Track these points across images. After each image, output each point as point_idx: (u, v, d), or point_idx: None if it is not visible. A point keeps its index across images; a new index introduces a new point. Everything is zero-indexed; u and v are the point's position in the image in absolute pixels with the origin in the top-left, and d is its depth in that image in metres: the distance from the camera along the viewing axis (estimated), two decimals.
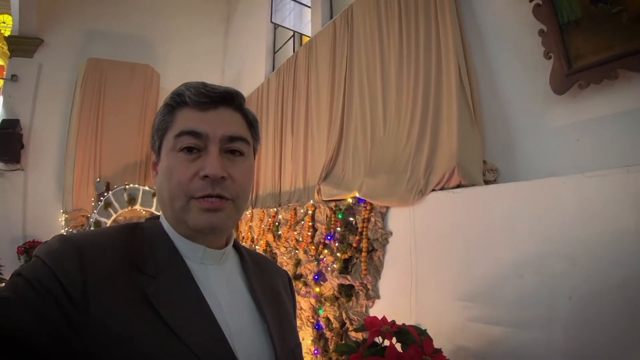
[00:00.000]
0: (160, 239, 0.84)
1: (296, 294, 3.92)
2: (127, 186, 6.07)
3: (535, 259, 1.87)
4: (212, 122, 0.84)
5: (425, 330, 2.07)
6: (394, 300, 2.82)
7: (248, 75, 7.14)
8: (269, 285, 0.99)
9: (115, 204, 6.00)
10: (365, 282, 3.08)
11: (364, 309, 3.07)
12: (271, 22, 5.27)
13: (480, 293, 2.13)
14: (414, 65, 2.99)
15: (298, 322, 3.95)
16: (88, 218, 6.10)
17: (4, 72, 7.54)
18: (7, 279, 0.74)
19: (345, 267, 3.29)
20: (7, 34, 7.63)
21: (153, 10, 8.19)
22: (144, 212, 6.38)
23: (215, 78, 8.45)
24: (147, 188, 6.19)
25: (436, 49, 2.83)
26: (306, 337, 3.77)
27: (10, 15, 8.14)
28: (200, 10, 8.60)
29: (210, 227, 0.82)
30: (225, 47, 8.70)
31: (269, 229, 4.76)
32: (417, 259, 2.65)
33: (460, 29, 2.74)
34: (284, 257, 4.39)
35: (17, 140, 6.69)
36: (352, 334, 3.16)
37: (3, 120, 6.71)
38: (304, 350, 3.73)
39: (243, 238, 5.57)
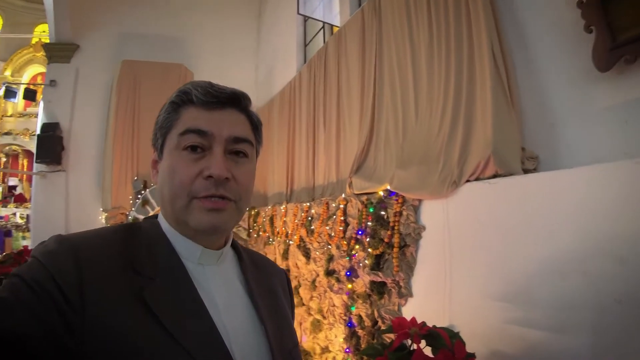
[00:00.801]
0: (158, 240, 0.84)
1: (329, 290, 3.86)
2: None
3: (579, 256, 1.69)
4: (218, 122, 0.84)
5: (458, 333, 1.94)
6: (428, 299, 2.68)
7: (280, 70, 7.09)
8: (266, 286, 0.98)
9: (152, 201, 6.11)
10: (397, 279, 2.95)
11: (396, 307, 2.94)
12: (298, 13, 5.15)
13: (518, 293, 1.97)
14: (444, 48, 2.81)
15: (331, 319, 3.86)
16: (127, 215, 6.26)
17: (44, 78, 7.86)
18: None
19: (377, 264, 3.17)
20: (46, 41, 7.96)
21: (184, 10, 8.29)
22: None
23: (249, 74, 8.51)
24: None
25: (467, 30, 2.64)
26: (338, 334, 3.68)
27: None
28: (231, 8, 8.63)
29: (212, 227, 0.81)
30: (257, 43, 8.70)
31: (302, 223, 4.69)
32: (451, 255, 2.50)
33: (492, 6, 2.54)
34: (317, 253, 4.32)
35: (58, 143, 6.98)
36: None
37: (44, 124, 7.03)
38: (336, 347, 3.65)
39: (278, 233, 5.54)
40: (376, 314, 3.16)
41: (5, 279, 0.69)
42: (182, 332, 0.72)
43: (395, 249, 2.97)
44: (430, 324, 2.03)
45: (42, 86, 7.66)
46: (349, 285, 3.55)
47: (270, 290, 0.98)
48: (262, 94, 7.99)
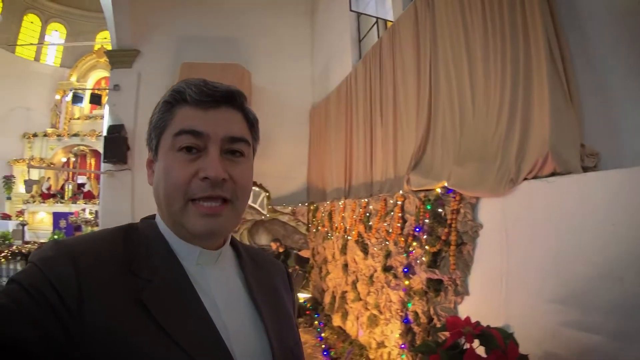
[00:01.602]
0: (155, 241, 0.82)
1: (386, 285, 3.89)
2: None
3: (639, 260, 1.62)
4: (213, 122, 0.81)
5: (512, 333, 1.91)
6: (484, 298, 2.64)
7: (336, 66, 7.15)
8: (266, 283, 0.96)
9: None
10: (454, 277, 2.93)
11: (452, 305, 2.93)
12: (351, 10, 5.15)
13: (575, 295, 1.91)
14: (500, 41, 2.74)
15: (387, 315, 3.89)
16: None
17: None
18: None
19: (434, 261, 3.16)
20: (109, 48, 8.49)
21: (239, 11, 8.54)
22: None
23: (304, 71, 8.67)
24: None
25: (522, 23, 2.56)
26: (394, 330, 3.70)
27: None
28: (284, 6, 8.80)
29: (209, 232, 0.80)
30: (312, 40, 8.82)
31: (360, 219, 4.73)
32: (508, 254, 2.45)
33: None
34: (375, 248, 4.35)
35: (123, 143, 7.48)
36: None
37: (109, 126, 7.57)
38: (391, 343, 3.68)
39: (336, 228, 5.61)
40: (432, 311, 3.16)
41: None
42: (182, 334, 0.71)
43: (452, 247, 2.95)
44: (485, 324, 2.01)
45: (107, 90, 8.17)
46: (406, 282, 3.56)
47: (270, 287, 0.96)
48: (318, 91, 8.10)
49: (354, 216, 4.96)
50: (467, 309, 2.70)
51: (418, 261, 3.38)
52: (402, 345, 3.49)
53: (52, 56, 17.03)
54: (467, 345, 1.94)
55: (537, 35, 2.44)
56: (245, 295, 0.89)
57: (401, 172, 4.14)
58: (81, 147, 16.02)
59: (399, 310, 3.67)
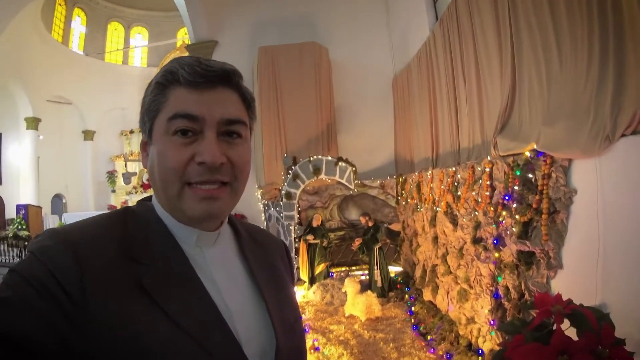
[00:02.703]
0: (154, 224, 0.82)
1: (476, 259, 3.69)
2: (311, 158, 6.43)
3: None
4: (209, 104, 0.78)
5: (608, 314, 1.70)
6: (579, 272, 2.39)
7: (413, 32, 6.81)
8: (266, 260, 0.95)
9: (302, 175, 6.43)
10: (546, 249, 2.69)
11: (544, 280, 2.69)
12: None
13: None
14: None
15: (477, 289, 3.70)
16: (280, 190, 6.68)
17: None
18: None
19: (525, 231, 2.93)
20: (188, 43, 9.13)
21: None
22: (329, 181, 6.72)
23: (382, 41, 8.39)
24: (329, 158, 6.48)
25: None
26: (484, 305, 3.51)
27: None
28: None
29: (207, 215, 0.79)
30: (386, 7, 8.47)
31: (448, 189, 4.52)
32: (605, 222, 2.19)
33: None
34: (464, 219, 4.13)
35: None
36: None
37: None
38: (481, 319, 3.50)
39: (425, 200, 5.43)
40: (523, 286, 2.93)
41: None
42: (185, 317, 0.71)
43: (544, 216, 2.72)
44: (581, 301, 1.81)
45: None
46: (496, 254, 3.34)
47: (270, 264, 0.95)
48: (398, 59, 7.84)
49: (442, 186, 4.76)
50: (561, 284, 2.47)
51: (508, 232, 3.15)
52: (492, 322, 3.30)
53: (138, 58, 18.41)
54: (556, 326, 1.75)
55: None
56: (246, 274, 0.89)
57: (488, 136, 3.87)
58: None
59: (489, 285, 3.47)
